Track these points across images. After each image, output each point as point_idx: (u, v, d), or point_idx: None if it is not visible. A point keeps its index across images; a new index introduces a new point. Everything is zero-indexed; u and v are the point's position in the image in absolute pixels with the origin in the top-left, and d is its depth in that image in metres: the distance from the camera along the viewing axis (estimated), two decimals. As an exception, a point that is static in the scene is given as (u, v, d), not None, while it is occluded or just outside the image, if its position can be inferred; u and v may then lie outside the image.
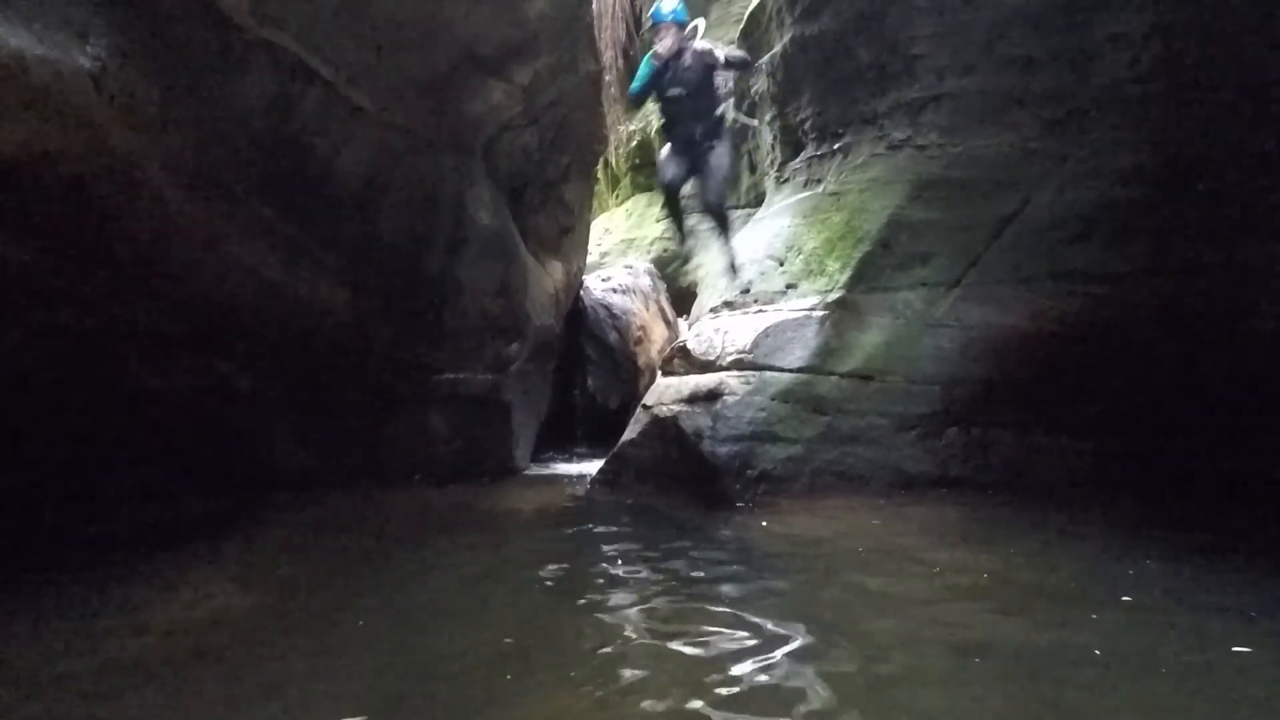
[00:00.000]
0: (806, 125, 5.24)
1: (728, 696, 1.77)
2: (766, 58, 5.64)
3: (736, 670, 1.92)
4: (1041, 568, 2.82)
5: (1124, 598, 2.45)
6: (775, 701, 1.73)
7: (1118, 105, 3.90)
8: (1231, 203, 3.73)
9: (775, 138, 5.76)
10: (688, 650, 2.07)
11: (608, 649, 2.08)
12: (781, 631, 2.18)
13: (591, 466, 5.35)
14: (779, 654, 2.02)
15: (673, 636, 2.18)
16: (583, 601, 2.55)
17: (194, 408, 3.75)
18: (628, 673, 1.90)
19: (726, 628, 2.23)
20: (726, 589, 2.62)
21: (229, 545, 3.18)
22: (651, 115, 10.16)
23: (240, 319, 3.56)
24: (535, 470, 5.73)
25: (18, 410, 3.22)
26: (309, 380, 4.10)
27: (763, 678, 1.86)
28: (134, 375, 3.47)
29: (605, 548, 3.28)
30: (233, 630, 2.26)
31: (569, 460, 6.30)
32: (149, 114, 2.64)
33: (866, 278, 4.37)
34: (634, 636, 2.18)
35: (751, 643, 2.11)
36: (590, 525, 3.75)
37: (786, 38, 5.28)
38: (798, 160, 5.33)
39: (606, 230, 10.63)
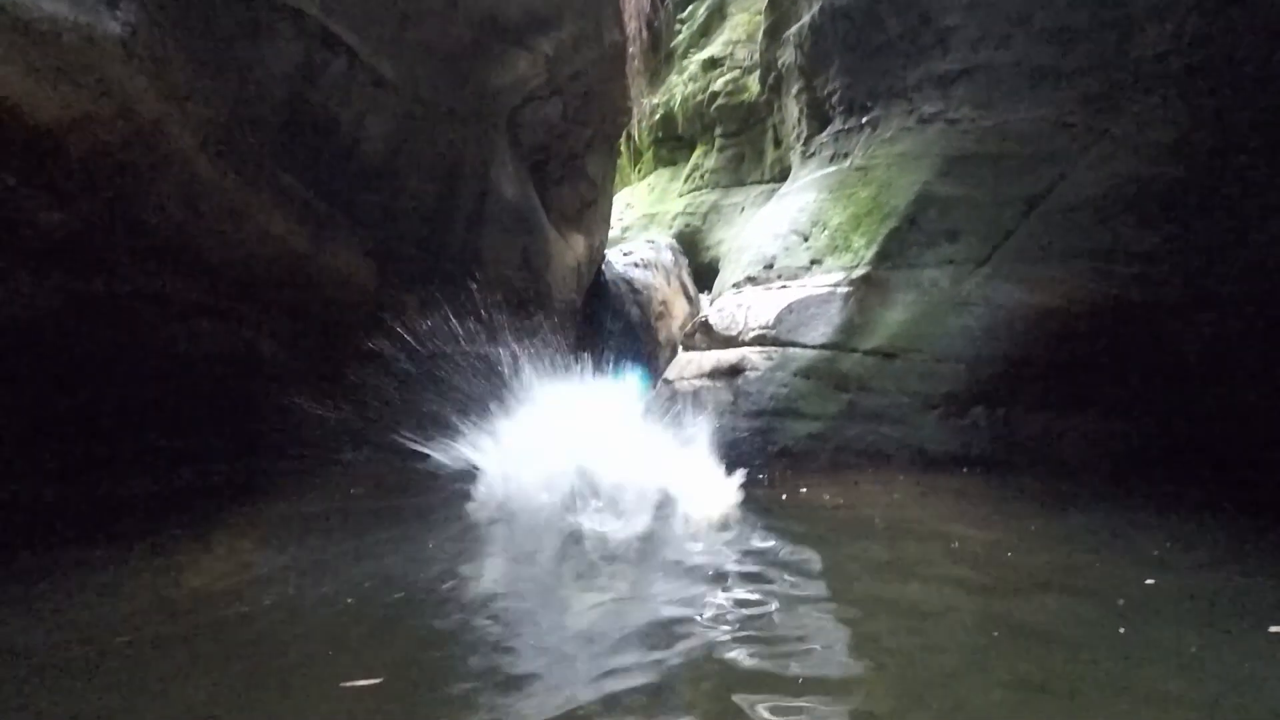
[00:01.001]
0: (834, 98, 5.15)
1: (741, 650, 1.80)
2: (794, 29, 5.54)
3: (750, 631, 1.96)
4: (1058, 545, 2.80)
5: (1147, 580, 2.42)
6: (782, 653, 1.75)
7: (1160, 78, 3.77)
8: (1274, 179, 3.61)
9: (802, 111, 5.67)
10: (703, 608, 2.11)
11: (620, 615, 2.12)
12: (790, 592, 2.21)
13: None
14: (778, 608, 2.04)
15: (692, 596, 2.22)
16: (596, 564, 2.60)
17: (220, 373, 3.80)
18: (641, 633, 1.93)
19: (746, 592, 2.26)
20: (744, 556, 2.66)
21: (254, 508, 3.25)
22: (676, 87, 10.04)
23: (266, 287, 3.59)
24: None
25: (50, 373, 3.28)
26: (334, 348, 4.14)
27: (775, 630, 1.88)
28: (162, 340, 3.52)
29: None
30: (257, 590, 2.31)
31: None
32: (177, 81, 2.65)
33: (893, 254, 4.31)
34: (654, 602, 2.21)
35: (760, 604, 2.14)
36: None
37: (815, 8, 5.17)
38: (824, 134, 5.25)
39: (628, 204, 10.57)
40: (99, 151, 2.59)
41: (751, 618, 2.07)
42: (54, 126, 2.38)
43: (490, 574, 2.60)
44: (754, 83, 8.60)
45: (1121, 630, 1.98)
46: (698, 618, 2.08)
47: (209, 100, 2.83)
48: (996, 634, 1.95)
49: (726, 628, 2.00)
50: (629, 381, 3.95)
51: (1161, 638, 1.94)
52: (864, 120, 4.85)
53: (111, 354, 3.34)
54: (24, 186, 2.56)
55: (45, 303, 2.94)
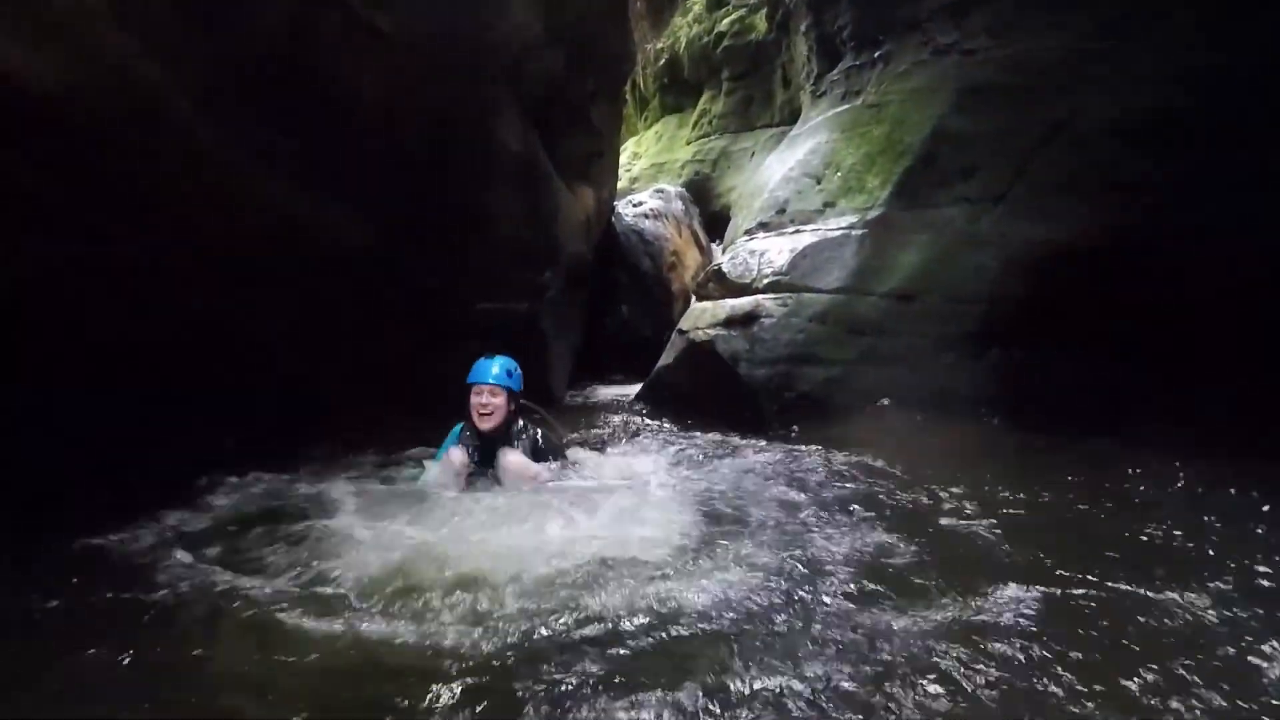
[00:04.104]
0: (845, 33, 4.98)
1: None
2: (801, -39, 5.33)
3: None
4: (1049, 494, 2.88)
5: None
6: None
7: (1177, 3, 3.60)
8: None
9: (811, 48, 5.50)
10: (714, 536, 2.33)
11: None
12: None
13: (627, 393, 5.39)
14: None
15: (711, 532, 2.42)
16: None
17: (222, 338, 3.79)
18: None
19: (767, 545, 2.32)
20: (762, 498, 2.82)
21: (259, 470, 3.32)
22: (680, 30, 9.76)
23: (268, 251, 3.56)
24: (571, 398, 5.78)
25: (37, 342, 3.27)
26: (342, 312, 4.12)
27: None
28: (161, 308, 3.51)
29: (648, 466, 3.35)
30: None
31: (604, 387, 6.33)
32: (170, 43, 2.59)
33: (907, 194, 4.21)
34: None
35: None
36: (630, 447, 3.81)
37: (823, -63, 4.97)
38: (835, 71, 5.09)
39: (636, 154, 10.39)
40: (99, 121, 2.56)
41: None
42: (53, 96, 2.35)
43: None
44: (761, 21, 8.33)
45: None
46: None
47: (204, 62, 2.77)
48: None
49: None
50: None
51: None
52: (876, 55, 4.70)
53: (103, 322, 3.31)
54: (26, 160, 2.54)
55: (33, 269, 2.92)
